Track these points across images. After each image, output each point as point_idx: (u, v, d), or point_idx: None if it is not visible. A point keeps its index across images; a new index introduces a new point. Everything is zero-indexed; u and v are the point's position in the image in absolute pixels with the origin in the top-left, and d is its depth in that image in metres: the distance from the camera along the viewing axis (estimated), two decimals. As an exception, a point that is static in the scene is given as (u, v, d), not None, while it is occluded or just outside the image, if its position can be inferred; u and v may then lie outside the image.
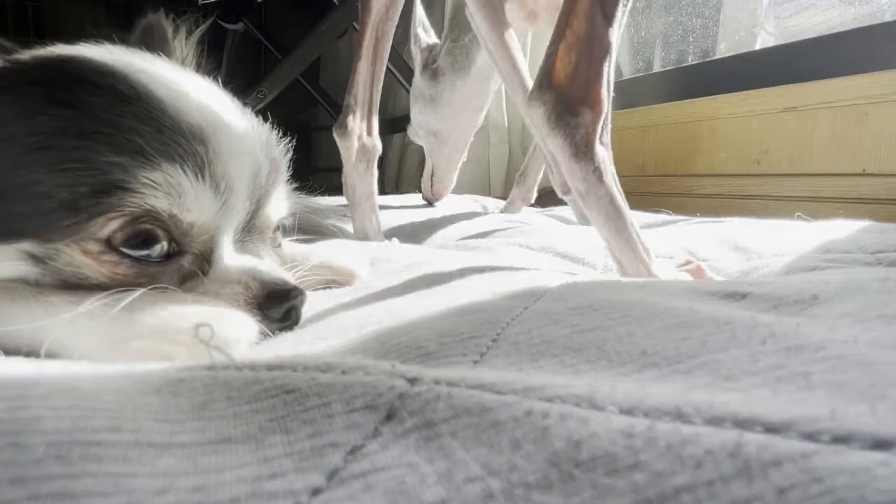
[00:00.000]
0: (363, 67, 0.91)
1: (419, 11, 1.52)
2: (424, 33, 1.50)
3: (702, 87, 1.70)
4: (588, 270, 0.80)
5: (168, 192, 0.41)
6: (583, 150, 0.58)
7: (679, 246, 0.84)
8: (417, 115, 1.46)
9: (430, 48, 1.45)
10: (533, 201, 1.50)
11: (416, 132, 1.50)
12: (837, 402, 0.23)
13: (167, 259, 0.43)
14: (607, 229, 0.61)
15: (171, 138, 0.41)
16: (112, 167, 0.39)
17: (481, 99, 1.40)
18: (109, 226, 0.40)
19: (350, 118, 0.90)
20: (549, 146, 0.60)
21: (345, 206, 1.10)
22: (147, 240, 0.42)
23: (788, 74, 1.45)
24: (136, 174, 0.39)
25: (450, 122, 1.42)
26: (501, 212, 1.52)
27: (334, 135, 0.90)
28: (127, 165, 0.39)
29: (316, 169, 3.13)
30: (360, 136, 0.92)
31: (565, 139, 0.58)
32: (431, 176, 1.53)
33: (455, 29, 1.37)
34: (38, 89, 0.40)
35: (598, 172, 0.59)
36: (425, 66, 1.44)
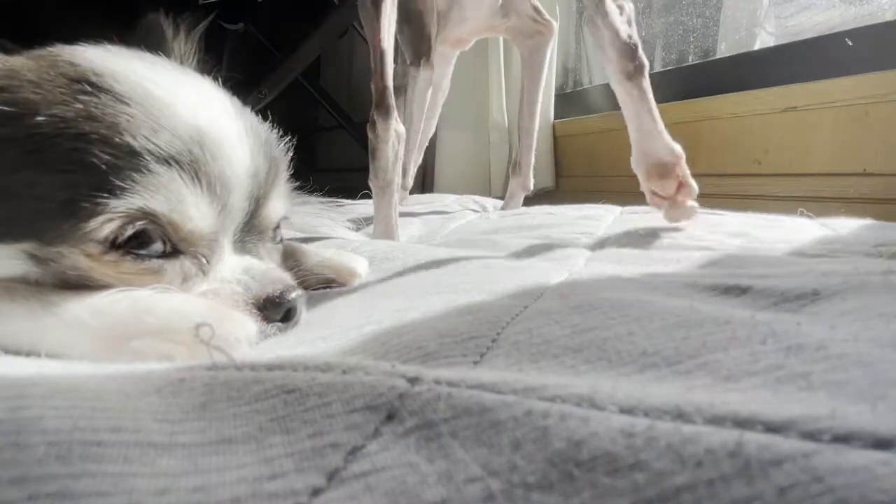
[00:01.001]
0: (389, 52, 0.96)
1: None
2: None
3: (702, 86, 1.70)
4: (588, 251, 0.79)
5: (167, 196, 0.41)
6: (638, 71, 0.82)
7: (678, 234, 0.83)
8: None
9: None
10: (532, 187, 1.55)
11: None
12: (838, 402, 0.23)
13: (169, 256, 0.43)
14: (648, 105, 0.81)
15: (169, 141, 0.41)
16: (109, 169, 0.39)
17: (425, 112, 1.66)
18: (108, 227, 0.40)
19: (390, 100, 0.93)
20: (608, 61, 0.83)
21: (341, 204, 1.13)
22: (147, 239, 0.42)
23: (789, 74, 1.45)
24: (133, 177, 0.39)
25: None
26: (502, 208, 1.54)
27: (374, 116, 0.93)
28: (125, 168, 0.39)
29: (316, 169, 3.13)
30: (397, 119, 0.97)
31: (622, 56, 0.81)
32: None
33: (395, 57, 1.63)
34: (36, 90, 0.40)
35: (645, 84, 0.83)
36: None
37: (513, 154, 2.29)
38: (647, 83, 0.81)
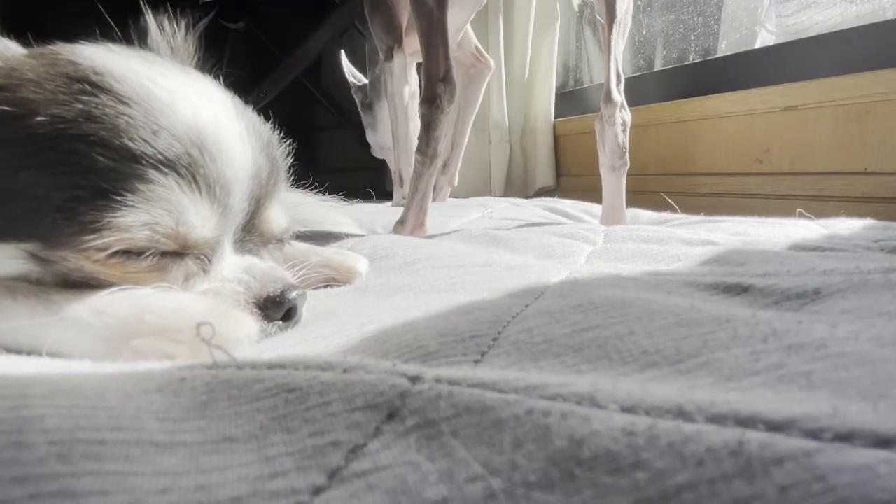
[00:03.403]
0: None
1: (345, 62, 2.10)
2: (354, 78, 2.08)
3: (703, 85, 1.70)
4: (588, 245, 0.79)
5: (168, 207, 0.40)
6: None
7: (676, 237, 0.83)
8: (371, 138, 2.06)
9: (362, 88, 2.01)
10: (456, 183, 1.79)
11: (377, 151, 2.09)
12: (839, 401, 0.23)
13: (172, 255, 0.43)
14: None
15: (169, 145, 0.41)
16: (111, 175, 0.39)
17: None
18: (110, 245, 0.39)
19: (455, 76, 1.05)
20: (602, 153, 1.11)
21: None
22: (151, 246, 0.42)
23: (790, 73, 1.45)
24: (135, 186, 0.39)
25: (389, 139, 1.89)
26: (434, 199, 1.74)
27: (439, 90, 1.04)
28: (126, 175, 0.39)
29: (316, 169, 3.13)
30: None
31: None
32: (400, 179, 1.95)
33: (371, 66, 1.89)
34: (37, 89, 0.40)
35: None
36: (363, 104, 2.01)
37: (513, 154, 2.30)
38: (624, 176, 1.10)
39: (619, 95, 1.08)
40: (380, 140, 2.01)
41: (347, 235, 0.92)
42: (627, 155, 1.09)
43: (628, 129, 1.09)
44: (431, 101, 1.03)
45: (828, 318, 0.37)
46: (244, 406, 0.26)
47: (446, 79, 1.03)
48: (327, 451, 0.23)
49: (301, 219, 0.91)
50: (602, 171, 1.11)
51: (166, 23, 0.55)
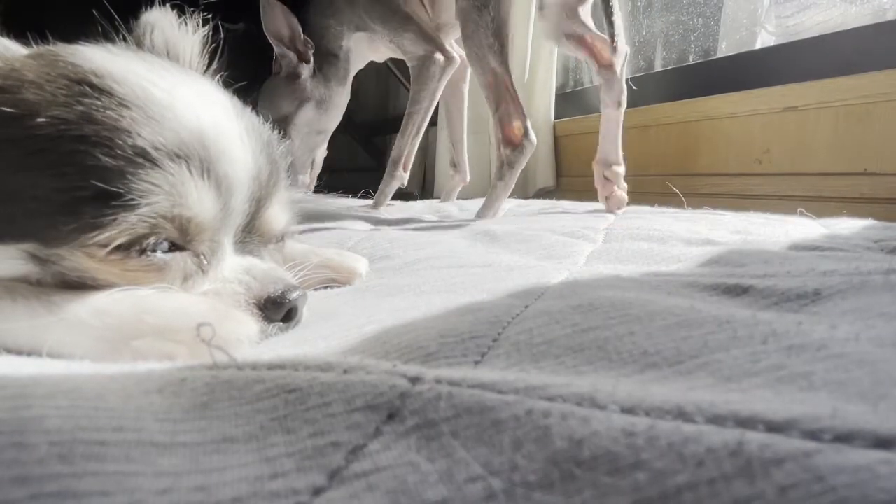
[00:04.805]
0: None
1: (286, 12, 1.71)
2: (301, 37, 1.67)
3: (703, 86, 1.70)
4: (589, 245, 0.79)
5: (169, 192, 0.40)
6: None
7: (676, 237, 0.83)
8: (305, 115, 1.63)
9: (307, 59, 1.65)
10: (468, 179, 1.80)
11: (304, 144, 1.67)
12: (839, 401, 0.23)
13: (172, 251, 0.43)
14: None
15: (171, 140, 0.41)
16: (110, 172, 0.39)
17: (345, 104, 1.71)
18: (112, 239, 0.40)
19: (529, 128, 1.20)
20: (608, 92, 1.24)
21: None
22: (150, 242, 0.42)
23: (790, 74, 1.45)
24: (134, 179, 0.39)
25: (332, 123, 1.70)
26: (441, 200, 1.80)
27: (524, 135, 1.19)
28: (125, 170, 0.39)
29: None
30: None
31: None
32: (311, 169, 1.79)
33: (334, 39, 1.62)
34: (37, 91, 0.40)
35: None
36: (315, 72, 1.64)
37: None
38: (623, 112, 1.24)
39: (624, 46, 1.21)
40: (319, 121, 1.66)
41: (358, 218, 0.92)
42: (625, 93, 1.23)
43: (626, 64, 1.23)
44: (514, 149, 1.18)
45: (828, 318, 0.37)
46: (244, 407, 0.26)
47: (526, 132, 1.19)
48: (327, 451, 0.23)
49: (306, 212, 0.91)
50: (605, 109, 1.23)
51: (166, 23, 0.56)
